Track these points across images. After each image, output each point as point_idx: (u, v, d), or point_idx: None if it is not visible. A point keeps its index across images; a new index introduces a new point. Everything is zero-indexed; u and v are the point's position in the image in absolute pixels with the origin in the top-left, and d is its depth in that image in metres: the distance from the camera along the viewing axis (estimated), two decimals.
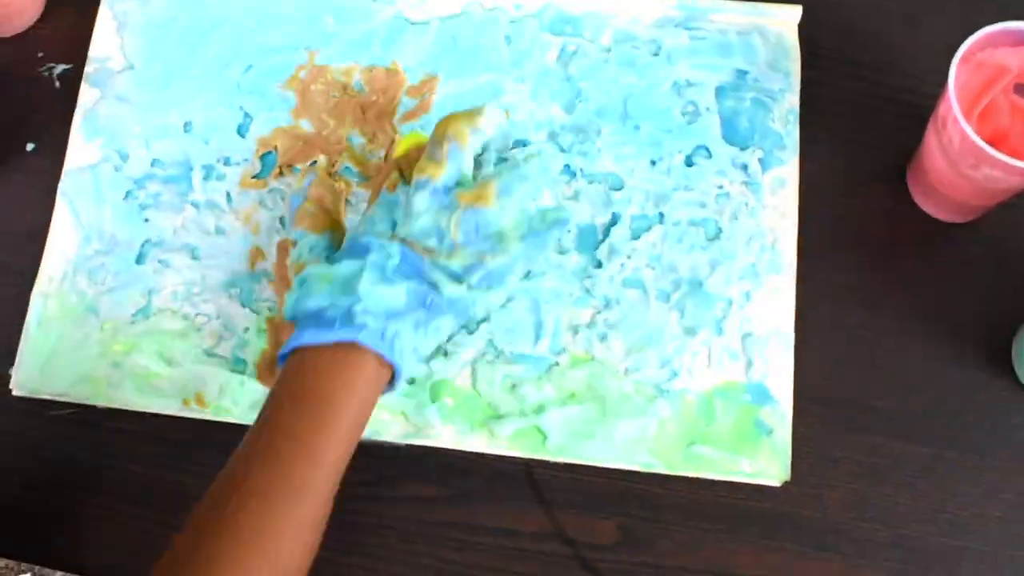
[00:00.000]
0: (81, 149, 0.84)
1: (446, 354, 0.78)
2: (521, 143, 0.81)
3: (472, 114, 0.71)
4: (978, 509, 0.75)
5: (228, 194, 0.82)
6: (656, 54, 0.84)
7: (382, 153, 0.82)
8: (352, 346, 0.66)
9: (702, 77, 0.83)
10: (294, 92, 0.85)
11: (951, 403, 0.77)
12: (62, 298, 0.80)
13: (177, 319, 0.80)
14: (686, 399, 0.77)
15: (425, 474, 0.77)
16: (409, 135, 0.75)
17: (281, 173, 0.82)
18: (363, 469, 0.68)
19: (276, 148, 0.83)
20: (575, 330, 0.78)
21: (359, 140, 0.83)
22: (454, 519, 0.76)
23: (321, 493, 0.64)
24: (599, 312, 0.79)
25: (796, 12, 0.84)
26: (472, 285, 0.69)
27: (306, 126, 0.84)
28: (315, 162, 0.82)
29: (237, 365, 0.78)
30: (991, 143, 0.70)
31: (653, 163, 0.82)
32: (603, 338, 0.78)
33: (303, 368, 0.66)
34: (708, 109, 0.82)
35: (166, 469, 0.78)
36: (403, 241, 0.69)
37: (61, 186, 0.83)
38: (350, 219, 0.79)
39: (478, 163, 0.72)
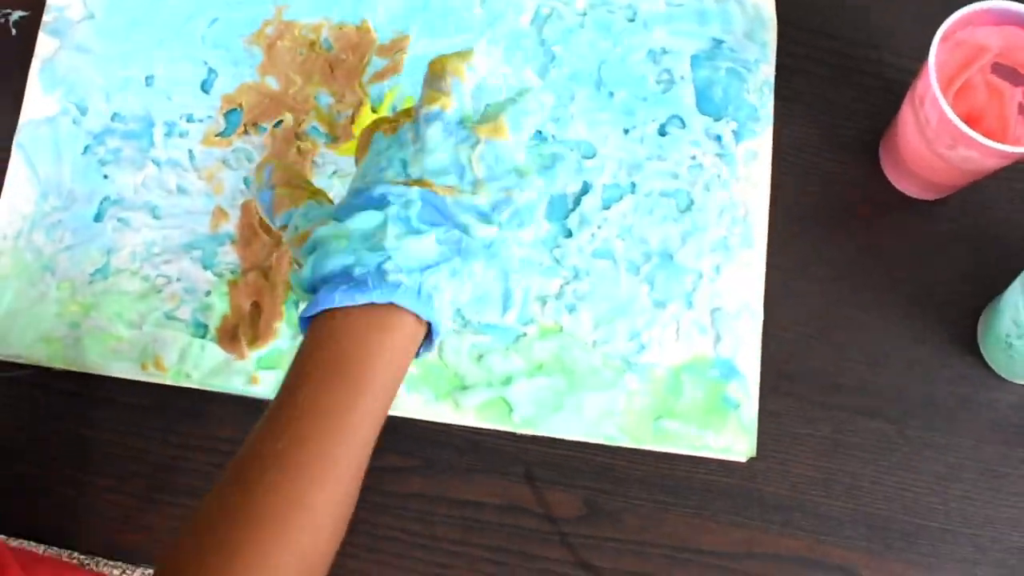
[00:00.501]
0: (39, 101, 0.81)
1: None
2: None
3: (464, 53, 0.67)
4: (941, 487, 0.76)
5: (191, 152, 0.80)
6: (632, 20, 0.83)
7: (350, 112, 0.80)
8: (387, 307, 0.60)
9: (678, 45, 0.82)
10: (260, 48, 0.82)
11: (917, 380, 0.78)
12: (17, 255, 0.78)
13: (136, 280, 0.78)
14: (654, 373, 0.76)
15: (391, 444, 0.76)
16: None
17: (246, 131, 0.80)
18: None
19: (241, 106, 0.81)
20: (543, 300, 0.77)
21: (327, 99, 0.81)
22: (419, 490, 0.75)
23: (353, 471, 0.60)
24: (568, 283, 0.78)
25: None
26: (502, 224, 0.64)
27: (272, 83, 0.81)
28: (280, 122, 0.80)
29: (197, 329, 0.77)
30: (965, 122, 0.70)
31: (626, 131, 0.80)
32: (572, 309, 0.77)
33: (333, 333, 0.60)
34: (683, 78, 0.81)
35: (121, 434, 0.76)
36: (420, 183, 0.63)
37: (17, 139, 0.81)
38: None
39: None
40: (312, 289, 0.63)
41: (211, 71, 0.82)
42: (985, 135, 0.69)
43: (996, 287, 0.75)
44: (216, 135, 0.81)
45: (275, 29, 0.83)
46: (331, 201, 0.66)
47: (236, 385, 0.76)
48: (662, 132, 0.80)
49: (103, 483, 0.76)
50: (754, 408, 0.76)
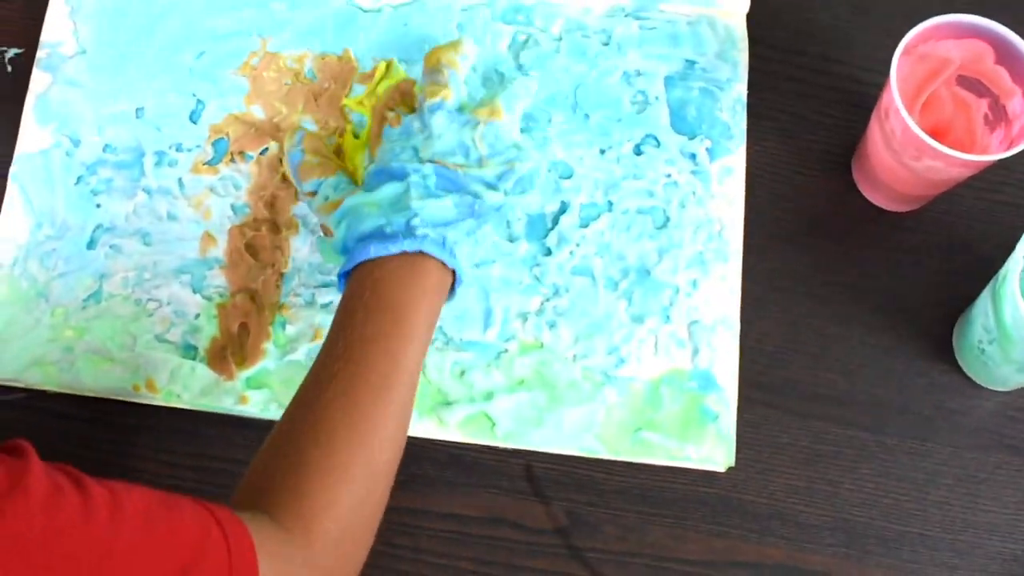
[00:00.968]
0: (33, 134, 0.84)
1: None
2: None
3: (455, 44, 0.78)
4: (920, 493, 0.77)
5: (180, 180, 0.82)
6: (606, 44, 0.85)
7: (334, 139, 0.82)
8: (416, 256, 0.70)
9: (651, 67, 0.84)
10: (247, 78, 0.85)
11: (894, 389, 0.79)
12: (12, 283, 0.80)
13: (128, 304, 0.80)
14: (633, 386, 0.77)
15: None
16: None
17: (233, 160, 0.83)
18: None
19: (228, 135, 0.83)
20: (524, 317, 0.79)
21: (311, 127, 0.83)
22: (403, 504, 0.76)
23: (403, 394, 0.67)
24: (548, 300, 0.79)
25: (744, 3, 0.85)
26: (508, 192, 0.74)
27: (258, 112, 0.84)
28: (266, 150, 0.82)
29: (187, 351, 0.79)
30: (933, 134, 0.71)
31: (602, 152, 0.82)
32: (552, 325, 0.79)
33: (372, 279, 0.69)
34: (657, 98, 0.83)
35: (114, 455, 0.78)
36: (431, 162, 0.73)
37: (13, 171, 0.83)
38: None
39: None
40: (344, 251, 0.72)
41: (199, 102, 0.84)
42: (953, 146, 0.71)
43: (970, 296, 0.77)
44: (204, 163, 0.83)
45: (260, 60, 0.85)
46: (355, 175, 0.79)
47: (226, 405, 0.78)
48: (637, 151, 0.82)
49: None
50: (732, 419, 0.77)
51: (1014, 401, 0.78)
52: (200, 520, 0.56)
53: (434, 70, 0.77)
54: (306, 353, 0.78)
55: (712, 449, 0.76)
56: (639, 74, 0.84)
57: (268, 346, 0.79)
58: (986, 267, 0.74)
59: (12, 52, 0.87)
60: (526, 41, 0.85)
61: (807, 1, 0.87)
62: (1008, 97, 0.74)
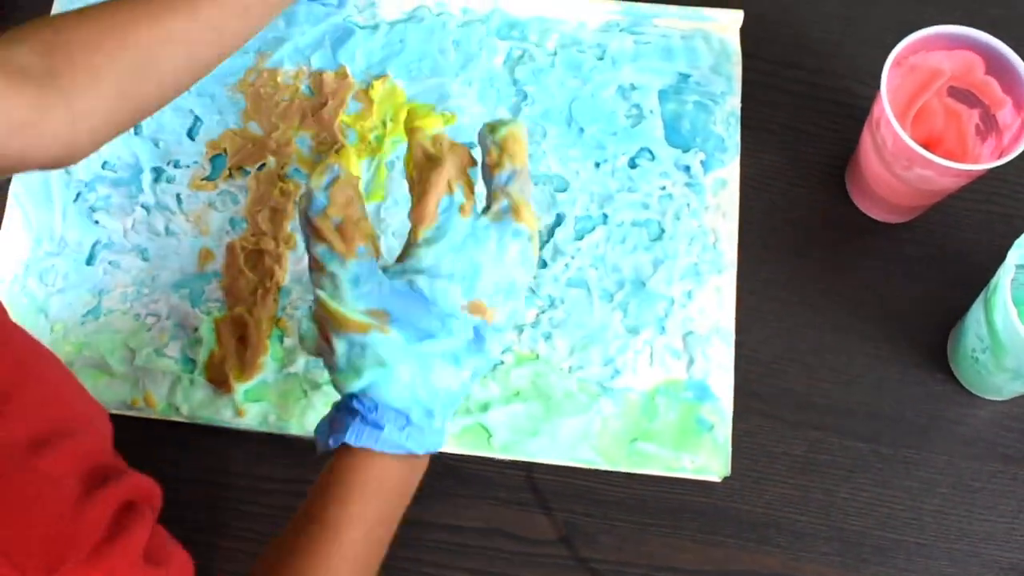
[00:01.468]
0: None
1: None
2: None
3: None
4: (915, 502, 0.77)
5: (178, 196, 0.83)
6: (601, 58, 0.85)
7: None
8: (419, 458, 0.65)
9: (646, 81, 0.85)
10: (244, 95, 0.85)
11: (888, 399, 0.79)
12: (12, 300, 0.81)
13: (127, 319, 0.80)
14: (629, 397, 0.78)
15: None
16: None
17: (231, 175, 0.83)
18: (309, 466, 0.69)
19: (226, 151, 0.84)
20: (520, 329, 0.79)
21: (308, 142, 0.84)
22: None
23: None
24: (543, 311, 0.80)
25: (737, 17, 0.85)
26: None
27: (255, 128, 0.84)
28: (263, 165, 0.83)
29: (186, 365, 0.79)
30: (926, 145, 0.72)
31: (597, 165, 0.83)
32: (548, 337, 0.79)
33: (368, 481, 0.64)
34: (651, 112, 0.84)
35: None
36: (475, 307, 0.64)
37: (12, 188, 0.84)
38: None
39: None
40: (351, 392, 0.63)
41: (196, 119, 0.85)
42: (945, 157, 0.71)
43: (963, 305, 0.77)
44: (202, 179, 0.83)
45: (257, 77, 0.86)
46: (378, 248, 0.65)
47: (224, 418, 0.78)
48: (632, 164, 0.83)
49: None
50: (728, 429, 0.77)
51: (1009, 410, 0.78)
52: None
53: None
54: (303, 366, 0.79)
55: (708, 459, 0.77)
56: (634, 88, 0.85)
57: (266, 360, 0.79)
58: (979, 276, 0.75)
59: None
60: (521, 56, 0.86)
61: (800, 15, 0.88)
62: (999, 107, 0.75)
